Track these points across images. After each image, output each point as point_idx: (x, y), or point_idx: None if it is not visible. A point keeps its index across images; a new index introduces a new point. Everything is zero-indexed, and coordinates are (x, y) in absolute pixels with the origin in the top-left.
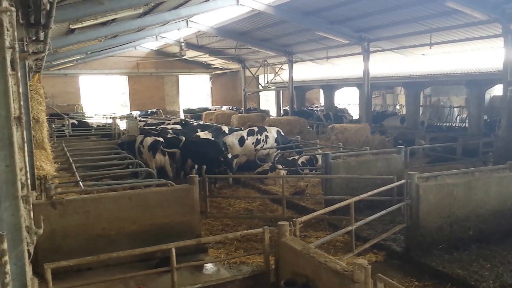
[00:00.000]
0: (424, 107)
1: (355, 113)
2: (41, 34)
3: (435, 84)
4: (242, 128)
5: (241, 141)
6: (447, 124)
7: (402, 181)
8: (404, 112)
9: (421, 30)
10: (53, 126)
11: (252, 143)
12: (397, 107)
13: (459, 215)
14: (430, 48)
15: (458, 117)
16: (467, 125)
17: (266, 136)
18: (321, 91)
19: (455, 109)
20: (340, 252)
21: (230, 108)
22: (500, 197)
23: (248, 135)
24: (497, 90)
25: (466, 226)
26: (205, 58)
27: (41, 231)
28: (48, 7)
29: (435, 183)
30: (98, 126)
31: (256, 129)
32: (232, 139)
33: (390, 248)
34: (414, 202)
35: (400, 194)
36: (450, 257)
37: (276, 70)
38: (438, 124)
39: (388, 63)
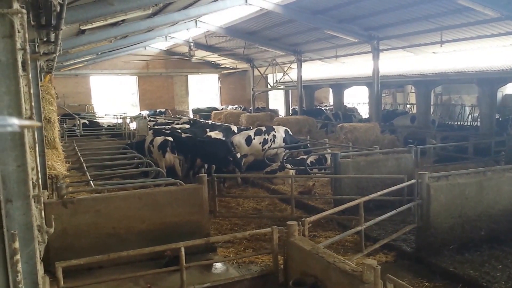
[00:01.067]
0: (435, 106)
1: (365, 112)
2: (52, 35)
3: (446, 82)
4: (251, 128)
5: (248, 140)
6: (458, 123)
7: (413, 180)
8: (415, 111)
9: (431, 28)
10: (65, 126)
11: (260, 143)
12: (408, 106)
13: (470, 215)
14: (441, 46)
15: (470, 116)
16: (478, 124)
17: (274, 136)
18: (330, 90)
19: (467, 108)
20: (350, 252)
21: (236, 107)
22: None
23: (255, 134)
24: (510, 89)
25: (477, 226)
26: (214, 58)
27: (52, 230)
28: (58, 9)
29: (446, 183)
30: (108, 126)
31: (263, 128)
32: (239, 139)
33: (400, 249)
34: (425, 202)
35: (410, 194)
36: (461, 258)
37: (285, 69)
38: (450, 122)
39: (398, 62)
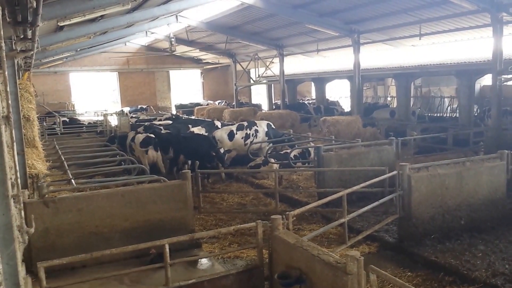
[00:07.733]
0: (415, 98)
1: (347, 105)
2: (29, 32)
3: (425, 75)
4: (235, 123)
5: (231, 135)
6: (437, 115)
7: (394, 172)
8: (395, 103)
9: (410, 21)
10: (44, 124)
11: (242, 138)
12: (388, 98)
13: (450, 205)
14: (420, 39)
15: (449, 108)
16: (457, 115)
17: (256, 131)
18: (312, 84)
19: (446, 100)
20: (334, 244)
21: (218, 102)
22: (491, 186)
23: (238, 129)
24: (487, 80)
25: (458, 216)
26: (195, 53)
27: (32, 230)
28: (34, 5)
29: (427, 173)
30: (89, 123)
31: (245, 123)
32: (221, 134)
33: (383, 239)
34: (406, 193)
35: (392, 185)
36: (443, 247)
37: (267, 64)
38: (428, 114)
39: (378, 55)
